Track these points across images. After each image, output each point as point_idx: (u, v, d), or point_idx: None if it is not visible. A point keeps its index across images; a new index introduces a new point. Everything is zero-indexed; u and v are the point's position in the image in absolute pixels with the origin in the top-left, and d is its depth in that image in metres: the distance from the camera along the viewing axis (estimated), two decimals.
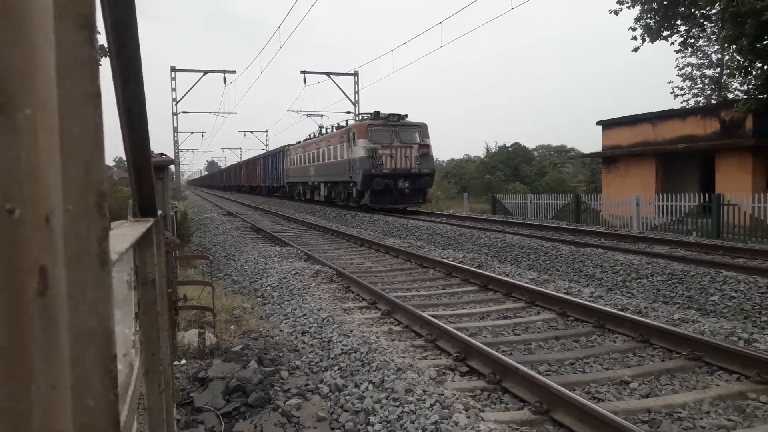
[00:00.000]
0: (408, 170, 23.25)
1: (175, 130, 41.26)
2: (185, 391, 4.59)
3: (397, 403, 4.14)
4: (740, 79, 20.56)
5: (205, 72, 36.62)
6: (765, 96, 18.01)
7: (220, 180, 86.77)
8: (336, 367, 5.12)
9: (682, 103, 34.14)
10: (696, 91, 34.77)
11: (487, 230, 15.72)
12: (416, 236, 15.94)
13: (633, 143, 24.41)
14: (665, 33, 26.81)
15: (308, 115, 38.88)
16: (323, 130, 31.11)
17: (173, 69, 38.37)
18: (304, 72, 34.28)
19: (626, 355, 5.62)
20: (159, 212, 2.36)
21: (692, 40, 28.93)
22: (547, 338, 6.26)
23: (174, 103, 39.28)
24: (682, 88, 34.81)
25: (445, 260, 10.92)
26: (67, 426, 0.38)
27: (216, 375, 4.76)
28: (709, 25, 26.86)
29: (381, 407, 4.15)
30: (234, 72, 37.06)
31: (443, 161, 64.83)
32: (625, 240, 13.98)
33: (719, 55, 31.76)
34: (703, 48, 32.36)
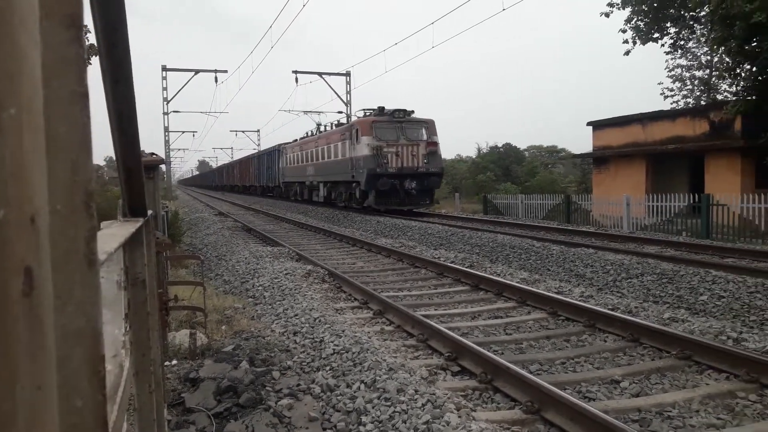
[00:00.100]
0: (415, 169, 21.95)
1: (166, 129, 41.10)
2: (176, 392, 4.57)
3: (388, 403, 4.14)
4: (729, 80, 20.71)
5: (197, 71, 36.51)
6: (754, 97, 18.16)
7: (212, 180, 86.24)
8: (328, 367, 5.11)
9: (672, 104, 34.40)
10: (686, 92, 35.03)
11: (478, 230, 15.76)
12: (408, 236, 15.95)
13: (623, 144, 24.55)
14: (655, 35, 27.01)
15: (305, 113, 37.78)
16: (321, 128, 30.08)
17: (164, 68, 38.22)
18: (296, 72, 34.20)
19: (617, 355, 5.66)
20: (149, 212, 2.35)
21: (682, 42, 29.15)
22: (538, 338, 6.29)
23: (165, 103, 39.11)
24: (672, 90, 35.08)
25: (436, 260, 10.94)
26: (54, 427, 0.38)
27: (207, 375, 4.75)
28: (698, 27, 27.07)
29: (373, 407, 4.15)
30: (225, 71, 37.02)
31: None
32: (616, 240, 14.05)
33: (708, 57, 31.99)
34: (693, 50, 32.63)
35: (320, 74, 35.39)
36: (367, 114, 23.77)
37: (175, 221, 14.73)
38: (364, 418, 4.02)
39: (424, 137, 22.44)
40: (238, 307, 7.80)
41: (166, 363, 4.91)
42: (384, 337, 6.40)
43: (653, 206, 18.78)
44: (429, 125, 22.79)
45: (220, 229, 18.49)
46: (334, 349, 5.49)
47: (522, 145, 58.98)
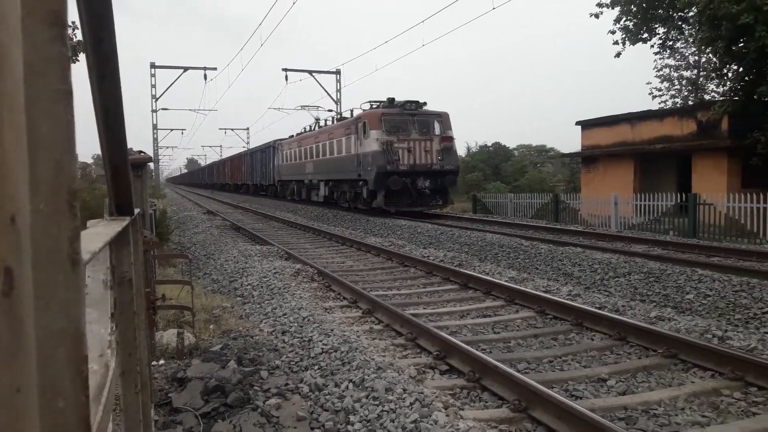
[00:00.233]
0: (429, 167, 20.04)
1: (155, 127, 40.85)
2: (163, 392, 4.55)
3: (377, 402, 4.14)
4: (716, 80, 20.91)
5: (186, 69, 36.32)
6: (741, 98, 18.35)
7: (201, 178, 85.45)
8: (316, 367, 5.11)
9: (660, 103, 34.63)
10: (674, 92, 35.27)
11: (467, 229, 15.81)
12: (397, 235, 15.96)
13: (611, 143, 24.71)
14: (644, 35, 27.23)
15: (303, 107, 36.18)
16: (321, 122, 28.47)
17: (153, 65, 37.96)
18: (285, 70, 34.06)
19: (604, 353, 5.69)
20: (137, 210, 2.33)
21: (670, 43, 29.40)
22: (525, 336, 6.32)
23: (153, 100, 38.86)
24: (660, 89, 35.30)
25: (425, 259, 10.96)
26: (34, 428, 0.37)
27: (195, 375, 4.72)
28: (686, 27, 27.32)
29: (361, 406, 4.15)
30: (215, 69, 36.82)
31: None
32: (603, 239, 14.15)
33: (696, 57, 32.26)
34: (681, 50, 32.89)
35: (310, 72, 35.34)
36: (374, 106, 21.82)
37: (163, 220, 14.64)
38: (352, 418, 4.02)
39: (438, 131, 20.63)
40: (226, 306, 7.76)
41: (154, 363, 4.88)
42: (373, 336, 6.40)
43: (641, 205, 18.93)
44: (443, 118, 20.97)
45: (208, 228, 18.41)
46: (322, 348, 5.49)
47: (511, 144, 59.14)
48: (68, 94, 0.51)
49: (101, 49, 1.22)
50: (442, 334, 5.79)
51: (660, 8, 25.62)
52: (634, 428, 4.07)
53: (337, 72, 36.64)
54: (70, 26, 12.93)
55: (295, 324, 6.52)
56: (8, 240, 0.34)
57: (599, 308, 7.00)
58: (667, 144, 21.74)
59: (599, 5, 25.66)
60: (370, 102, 22.25)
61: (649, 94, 35.42)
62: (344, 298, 8.31)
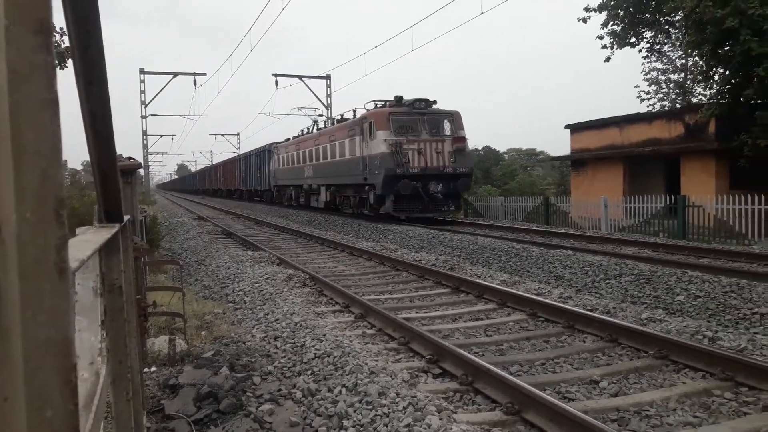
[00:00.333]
0: (441, 169, 18.76)
1: (144, 133, 40.65)
2: (155, 399, 4.52)
3: (370, 407, 4.14)
4: (703, 84, 21.10)
5: (175, 74, 36.15)
6: (727, 100, 18.52)
7: (192, 183, 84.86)
8: (309, 372, 5.09)
9: (648, 107, 34.93)
10: (662, 95, 35.59)
11: (459, 233, 15.83)
12: (389, 239, 15.96)
13: (601, 146, 24.85)
14: (632, 39, 27.46)
15: (299, 109, 35.46)
16: (320, 124, 27.43)
17: (142, 71, 37.80)
18: (275, 75, 34.00)
19: (595, 355, 5.71)
20: (127, 217, 2.32)
21: (658, 46, 29.67)
22: (518, 339, 6.33)
23: (143, 106, 38.68)
24: (648, 93, 35.62)
25: (417, 263, 10.96)
26: None
27: (187, 382, 4.69)
28: (673, 31, 27.59)
29: (354, 411, 4.14)
30: (204, 75, 36.75)
31: None
32: (594, 241, 14.21)
33: (683, 61, 32.58)
34: (668, 53, 33.20)
35: (300, 77, 35.29)
36: (380, 105, 20.45)
37: (153, 226, 14.57)
38: (345, 422, 4.01)
39: (450, 132, 19.29)
40: (218, 312, 7.73)
41: (145, 370, 4.85)
42: (365, 340, 6.39)
43: (631, 208, 19.04)
44: (455, 117, 19.59)
45: (199, 234, 18.33)
46: (315, 354, 5.47)
47: (501, 147, 59.45)
48: (54, 102, 0.50)
49: (88, 55, 1.21)
50: (435, 337, 5.79)
51: (647, 12, 25.86)
52: (626, 429, 4.09)
53: (327, 77, 36.64)
54: (58, 32, 12.85)
55: (288, 329, 6.49)
56: None
57: (591, 310, 7.02)
58: (656, 147, 21.90)
59: (587, 9, 25.87)
60: (374, 101, 20.98)
61: (638, 97, 35.78)
62: (336, 302, 8.29)
